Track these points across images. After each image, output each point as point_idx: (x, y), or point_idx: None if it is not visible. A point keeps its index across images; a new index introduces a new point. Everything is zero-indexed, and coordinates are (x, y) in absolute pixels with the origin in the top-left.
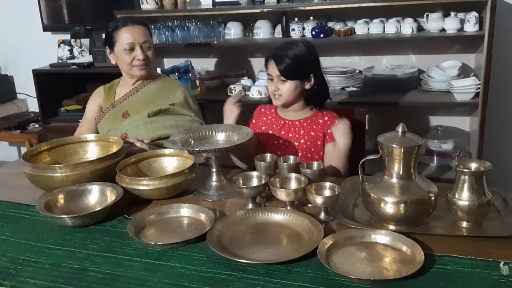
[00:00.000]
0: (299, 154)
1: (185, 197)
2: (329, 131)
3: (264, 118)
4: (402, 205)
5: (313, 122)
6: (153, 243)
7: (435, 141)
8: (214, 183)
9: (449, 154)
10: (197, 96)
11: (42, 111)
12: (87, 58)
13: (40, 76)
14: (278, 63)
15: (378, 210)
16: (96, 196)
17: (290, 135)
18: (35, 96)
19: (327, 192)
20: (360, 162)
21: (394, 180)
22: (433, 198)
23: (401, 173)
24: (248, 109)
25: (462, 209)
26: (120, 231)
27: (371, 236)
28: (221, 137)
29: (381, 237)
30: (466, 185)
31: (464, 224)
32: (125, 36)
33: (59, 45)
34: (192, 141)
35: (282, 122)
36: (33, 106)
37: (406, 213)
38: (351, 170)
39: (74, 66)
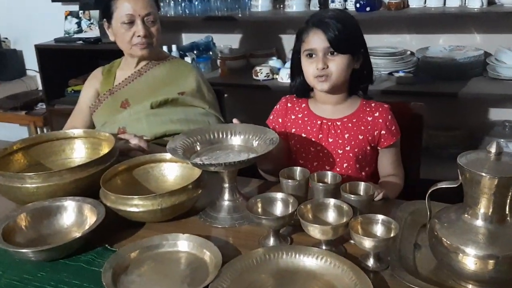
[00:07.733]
0: (345, 165)
1: (188, 219)
2: (383, 132)
3: (293, 116)
4: (491, 261)
5: (361, 120)
6: None
7: (502, 140)
8: (226, 203)
9: None
10: (218, 78)
11: (46, 91)
12: (95, 32)
13: (44, 52)
14: (326, 31)
15: (454, 263)
16: (73, 216)
17: (331, 140)
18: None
19: (379, 230)
20: (428, 192)
21: (480, 222)
22: None
23: (490, 213)
24: (275, 97)
25: None
26: (96, 271)
27: None
28: (237, 141)
29: None
30: None
31: None
32: (124, 7)
33: (66, 17)
34: (199, 147)
35: (319, 122)
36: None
37: (496, 273)
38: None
39: (81, 42)
